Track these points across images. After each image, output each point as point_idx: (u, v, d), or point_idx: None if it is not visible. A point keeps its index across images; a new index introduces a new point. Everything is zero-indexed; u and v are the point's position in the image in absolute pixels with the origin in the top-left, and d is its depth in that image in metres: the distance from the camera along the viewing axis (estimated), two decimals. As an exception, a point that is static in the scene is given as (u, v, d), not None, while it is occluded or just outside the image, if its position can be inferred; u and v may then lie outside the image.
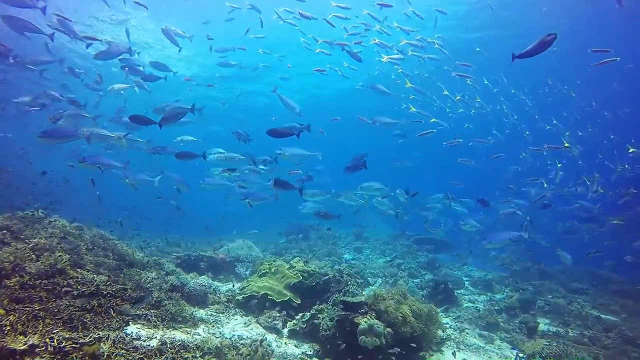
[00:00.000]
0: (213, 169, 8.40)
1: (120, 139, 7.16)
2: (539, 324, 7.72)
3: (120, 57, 9.32)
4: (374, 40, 11.24)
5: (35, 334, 3.32)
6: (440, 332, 6.52)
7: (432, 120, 10.09)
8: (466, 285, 10.93)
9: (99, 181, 7.80)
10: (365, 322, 5.22)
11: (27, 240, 5.45)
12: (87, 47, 10.11)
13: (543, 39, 4.21)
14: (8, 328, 3.21)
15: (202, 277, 8.26)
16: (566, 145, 8.87)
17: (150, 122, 6.25)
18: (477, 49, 13.28)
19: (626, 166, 10.77)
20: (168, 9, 16.57)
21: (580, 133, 14.56)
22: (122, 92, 9.89)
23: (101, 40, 9.83)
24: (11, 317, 3.40)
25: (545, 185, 10.51)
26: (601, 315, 8.72)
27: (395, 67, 11.48)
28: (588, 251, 8.48)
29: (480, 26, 17.77)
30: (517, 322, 8.02)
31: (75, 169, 8.03)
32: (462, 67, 11.55)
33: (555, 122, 14.08)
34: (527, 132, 15.85)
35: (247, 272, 9.37)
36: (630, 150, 8.38)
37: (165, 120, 6.16)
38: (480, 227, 9.48)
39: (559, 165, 10.66)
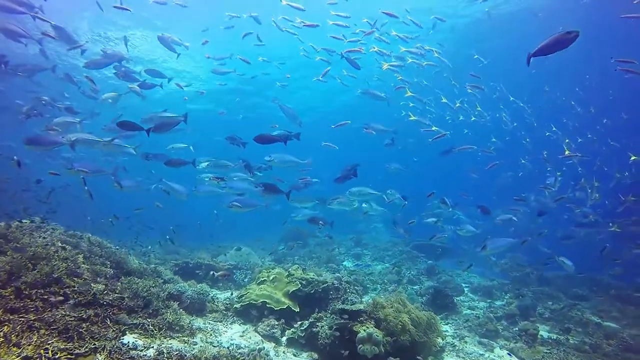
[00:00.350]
0: (203, 176, 8.37)
1: (107, 144, 7.13)
2: (539, 331, 7.67)
3: (111, 65, 9.32)
4: (373, 48, 11.31)
5: (29, 345, 3.28)
6: (439, 340, 6.47)
7: (433, 129, 10.10)
8: (466, 292, 10.87)
9: (100, 193, 7.76)
10: (364, 330, 5.18)
11: (24, 249, 5.41)
12: (82, 53, 10.12)
13: (562, 36, 3.82)
14: (1, 340, 3.17)
15: (201, 284, 8.20)
16: (567, 153, 8.87)
17: (138, 128, 6.33)
18: (475, 56, 13.35)
19: (626, 174, 10.73)
20: (167, 26, 16.61)
21: (579, 139, 14.56)
22: (109, 100, 9.81)
23: (84, 47, 9.76)
24: (5, 328, 3.36)
25: (547, 193, 10.48)
26: (602, 322, 8.67)
27: (395, 74, 11.53)
28: (587, 255, 8.46)
29: (479, 38, 17.91)
30: (517, 329, 7.96)
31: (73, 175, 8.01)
32: (474, 79, 11.65)
33: (554, 129, 14.09)
34: (527, 139, 15.88)
35: (246, 280, 9.32)
36: (632, 158, 8.37)
37: (158, 129, 6.19)
38: (477, 231, 9.43)
39: (559, 174, 10.62)
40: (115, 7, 8.91)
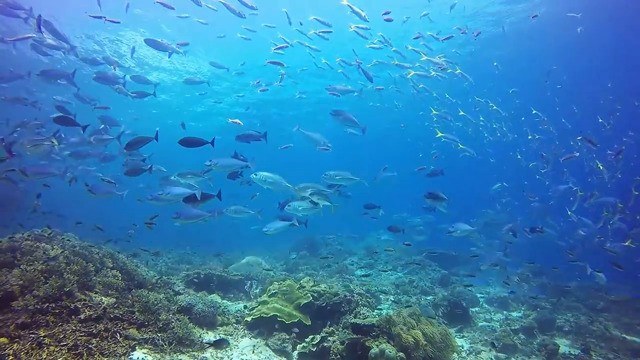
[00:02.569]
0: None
1: (51, 139, 7.11)
2: (559, 346, 7.39)
3: (61, 79, 9.30)
4: (394, 61, 11.28)
5: (38, 363, 3.26)
6: (454, 355, 6.28)
7: (460, 147, 9.91)
8: (481, 302, 10.60)
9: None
10: (377, 346, 5.04)
11: (36, 262, 5.44)
12: (72, 49, 10.10)
13: None
14: (11, 358, 3.15)
15: (212, 295, 8.18)
16: (601, 167, 8.63)
17: (75, 124, 6.42)
18: (495, 63, 13.14)
19: None
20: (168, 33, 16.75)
21: (609, 151, 14.10)
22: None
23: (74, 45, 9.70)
24: (15, 346, 3.35)
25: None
26: (626, 337, 8.31)
27: (413, 91, 11.43)
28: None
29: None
30: (535, 343, 7.69)
31: (77, 185, 8.07)
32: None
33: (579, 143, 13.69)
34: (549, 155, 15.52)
35: (257, 291, 9.24)
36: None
37: (130, 146, 6.17)
38: (473, 228, 9.14)
39: (580, 194, 10.23)
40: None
